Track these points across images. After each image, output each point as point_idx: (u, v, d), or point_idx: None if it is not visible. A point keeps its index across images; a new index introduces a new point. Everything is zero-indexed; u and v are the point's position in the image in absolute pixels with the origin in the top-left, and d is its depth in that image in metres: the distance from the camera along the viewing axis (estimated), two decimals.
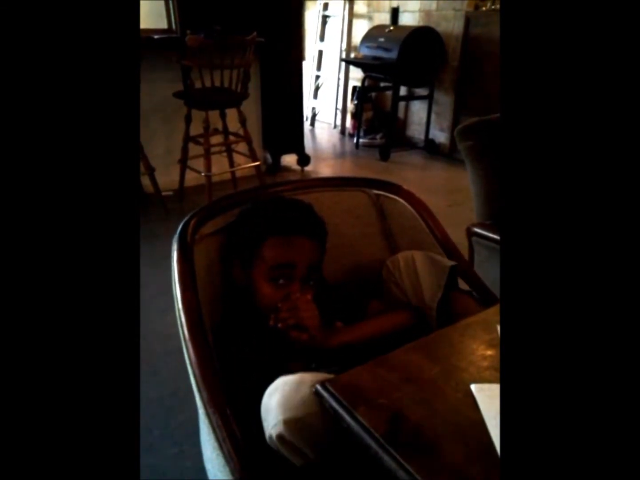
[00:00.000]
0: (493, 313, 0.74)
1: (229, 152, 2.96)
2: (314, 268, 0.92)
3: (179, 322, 0.81)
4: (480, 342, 0.68)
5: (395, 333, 0.90)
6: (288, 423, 0.59)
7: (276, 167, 3.47)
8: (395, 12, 4.04)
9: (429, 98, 3.87)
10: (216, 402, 0.70)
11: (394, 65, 3.56)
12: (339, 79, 4.67)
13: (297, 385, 0.62)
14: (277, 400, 0.61)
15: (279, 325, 0.83)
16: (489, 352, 0.65)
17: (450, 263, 0.97)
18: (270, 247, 0.90)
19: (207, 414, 0.70)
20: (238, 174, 3.10)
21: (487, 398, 0.57)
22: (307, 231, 0.92)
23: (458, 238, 1.19)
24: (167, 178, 2.89)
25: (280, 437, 0.60)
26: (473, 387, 0.59)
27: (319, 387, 0.59)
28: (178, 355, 0.81)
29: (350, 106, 4.56)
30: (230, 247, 0.99)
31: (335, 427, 0.57)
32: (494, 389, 0.57)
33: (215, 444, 0.68)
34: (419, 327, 0.94)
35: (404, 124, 4.30)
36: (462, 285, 1.04)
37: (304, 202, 0.98)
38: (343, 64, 4.55)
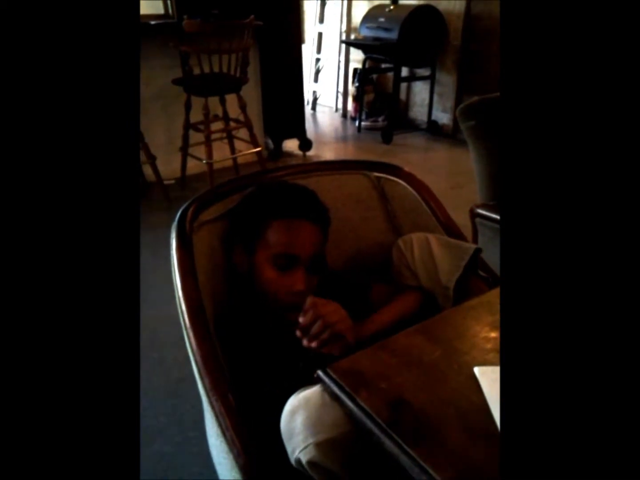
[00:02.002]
0: (496, 295, 0.73)
1: (230, 138, 2.94)
2: (318, 256, 0.91)
3: (179, 310, 0.81)
4: (484, 325, 0.67)
5: (411, 317, 0.89)
6: (321, 446, 0.55)
7: (278, 153, 3.45)
8: None
9: (431, 78, 3.81)
10: (219, 389, 0.70)
11: (394, 45, 3.51)
12: (339, 61, 4.61)
13: (324, 402, 0.57)
14: (302, 421, 0.57)
15: (313, 345, 0.74)
16: (493, 335, 0.65)
17: (474, 246, 0.95)
18: (275, 231, 0.88)
19: (210, 402, 0.70)
20: (240, 160, 3.09)
21: (491, 381, 0.56)
22: (311, 216, 0.91)
23: (462, 220, 1.18)
24: (168, 166, 2.88)
25: (311, 462, 0.56)
26: (476, 370, 0.58)
27: (320, 372, 0.59)
28: (184, 343, 0.81)
29: (351, 89, 4.51)
30: (232, 231, 0.98)
31: (368, 444, 0.53)
32: (497, 372, 0.56)
33: (219, 431, 0.68)
34: (427, 309, 0.93)
35: (406, 105, 4.25)
36: None
37: (309, 189, 0.97)
38: (343, 45, 4.49)
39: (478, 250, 0.95)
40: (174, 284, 0.84)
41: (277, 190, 0.96)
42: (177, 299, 0.82)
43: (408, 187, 1.12)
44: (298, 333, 0.75)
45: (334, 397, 0.56)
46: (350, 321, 0.78)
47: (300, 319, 0.75)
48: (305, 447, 0.56)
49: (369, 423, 0.52)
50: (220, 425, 0.68)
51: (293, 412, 0.59)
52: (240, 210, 0.97)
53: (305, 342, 0.75)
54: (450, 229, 1.08)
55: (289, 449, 0.59)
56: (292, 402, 0.60)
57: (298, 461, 0.57)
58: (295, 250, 0.87)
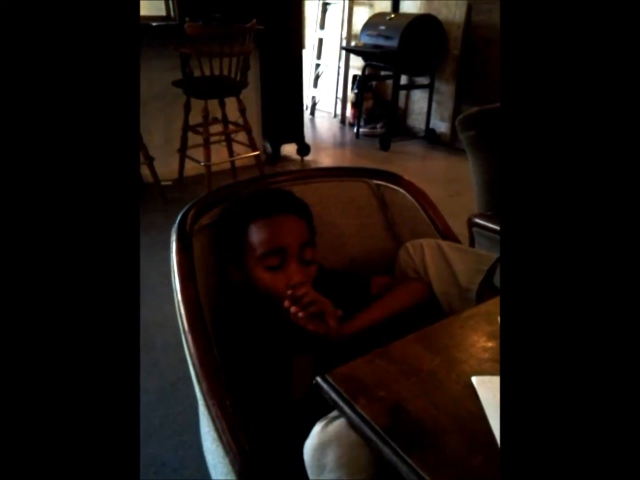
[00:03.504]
0: (494, 304, 0.74)
1: (229, 141, 2.94)
2: (306, 245, 0.90)
3: (178, 314, 0.81)
4: (482, 334, 0.67)
5: (412, 309, 0.89)
6: None
7: (276, 157, 3.45)
8: (396, 0, 3.99)
9: (430, 87, 3.84)
10: (216, 393, 0.70)
11: (394, 53, 3.53)
12: (339, 67, 4.63)
13: (358, 441, 0.56)
14: (336, 459, 0.56)
15: (300, 315, 0.78)
16: (490, 344, 0.65)
17: (495, 255, 0.95)
18: (254, 232, 0.88)
19: (207, 406, 0.70)
20: (238, 163, 3.09)
21: (488, 390, 0.57)
22: (288, 209, 0.90)
23: (458, 229, 1.19)
24: (166, 168, 2.88)
25: None
26: (474, 379, 0.59)
27: (319, 379, 0.59)
28: (178, 346, 0.81)
29: (350, 95, 4.52)
30: (218, 248, 0.97)
31: None
32: (495, 381, 0.57)
33: (215, 435, 0.68)
34: (432, 306, 0.94)
35: (404, 113, 4.27)
36: None
37: (281, 189, 0.97)
38: (343, 52, 4.51)
39: (499, 260, 0.95)
40: (173, 288, 0.84)
41: (250, 197, 0.95)
42: (175, 303, 0.82)
43: (407, 195, 1.13)
44: (287, 303, 0.79)
45: (334, 404, 0.57)
46: (335, 310, 0.81)
47: (290, 292, 0.79)
48: None
49: (367, 430, 0.52)
50: (216, 429, 0.68)
51: (323, 447, 0.57)
52: (220, 226, 0.96)
53: (293, 309, 0.78)
54: (449, 238, 1.08)
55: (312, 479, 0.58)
56: (321, 435, 0.58)
57: None
58: (279, 243, 0.86)
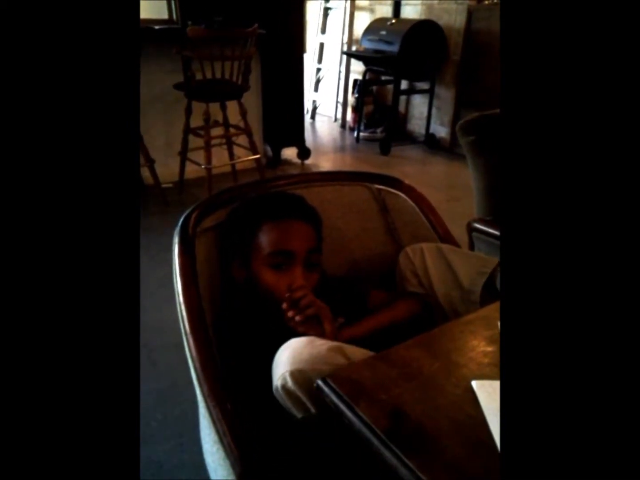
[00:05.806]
0: (494, 309, 0.74)
1: (229, 144, 2.94)
2: (312, 251, 0.91)
3: (179, 316, 0.81)
4: (481, 339, 0.68)
5: (407, 323, 0.90)
6: (293, 374, 0.62)
7: (276, 160, 3.46)
8: (397, 5, 4.01)
9: (430, 92, 3.85)
10: (217, 395, 0.70)
11: (395, 58, 3.54)
12: (340, 72, 4.65)
13: (309, 342, 0.66)
14: (287, 355, 0.65)
15: (297, 318, 0.80)
16: (490, 349, 0.65)
17: (496, 259, 0.96)
18: (265, 233, 0.89)
19: (208, 408, 0.70)
20: (238, 166, 3.09)
21: (488, 394, 0.57)
22: (299, 214, 0.92)
23: (458, 233, 1.19)
24: (167, 170, 2.88)
25: (284, 387, 0.63)
26: (474, 383, 0.59)
27: (319, 382, 0.59)
28: (177, 348, 0.81)
29: (351, 99, 4.54)
30: (225, 247, 0.98)
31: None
32: (495, 386, 0.57)
33: (216, 438, 0.68)
34: (429, 316, 0.94)
35: (404, 118, 4.28)
36: None
37: (294, 194, 0.99)
38: (344, 57, 4.52)
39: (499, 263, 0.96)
40: (175, 290, 0.84)
41: (261, 198, 0.97)
42: (177, 305, 0.82)
43: (408, 199, 1.13)
44: (284, 305, 0.81)
45: (335, 407, 0.57)
46: (331, 316, 0.83)
47: (287, 294, 0.81)
48: (282, 374, 0.63)
49: (367, 433, 0.52)
50: (217, 431, 0.68)
51: (282, 350, 0.67)
52: (228, 224, 0.97)
53: (290, 313, 0.80)
54: (449, 242, 1.09)
55: (273, 380, 0.66)
56: (285, 344, 0.68)
57: (276, 389, 0.64)
58: (287, 245, 0.88)
